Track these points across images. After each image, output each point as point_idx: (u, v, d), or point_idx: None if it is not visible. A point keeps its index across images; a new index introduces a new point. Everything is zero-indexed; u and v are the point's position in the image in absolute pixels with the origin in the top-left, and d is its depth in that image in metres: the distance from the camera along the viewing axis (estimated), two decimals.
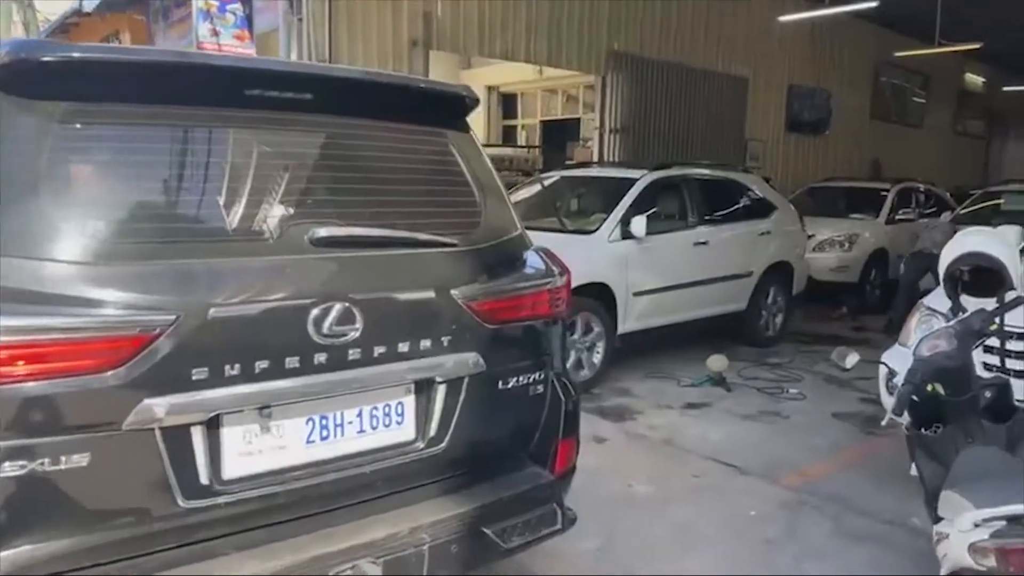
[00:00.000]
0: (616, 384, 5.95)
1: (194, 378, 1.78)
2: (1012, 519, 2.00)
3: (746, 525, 3.56)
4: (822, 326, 8.48)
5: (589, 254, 5.94)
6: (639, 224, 5.97)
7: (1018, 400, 2.73)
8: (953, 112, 19.23)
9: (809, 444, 4.68)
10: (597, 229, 6.08)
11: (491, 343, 2.31)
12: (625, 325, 6.05)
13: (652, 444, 4.64)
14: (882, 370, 3.70)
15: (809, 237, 8.97)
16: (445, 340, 2.19)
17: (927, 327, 3.77)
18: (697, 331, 6.83)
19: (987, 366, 3.13)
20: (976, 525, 2.04)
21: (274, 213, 2.00)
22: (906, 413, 2.63)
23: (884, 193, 10.27)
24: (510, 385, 2.39)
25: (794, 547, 3.37)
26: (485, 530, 2.18)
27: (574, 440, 2.65)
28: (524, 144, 14.04)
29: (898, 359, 3.41)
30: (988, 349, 2.96)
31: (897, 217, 10.01)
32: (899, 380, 2.55)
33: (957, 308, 2.70)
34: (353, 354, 2.01)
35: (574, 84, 13.13)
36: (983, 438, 2.54)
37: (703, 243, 6.64)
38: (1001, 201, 9.92)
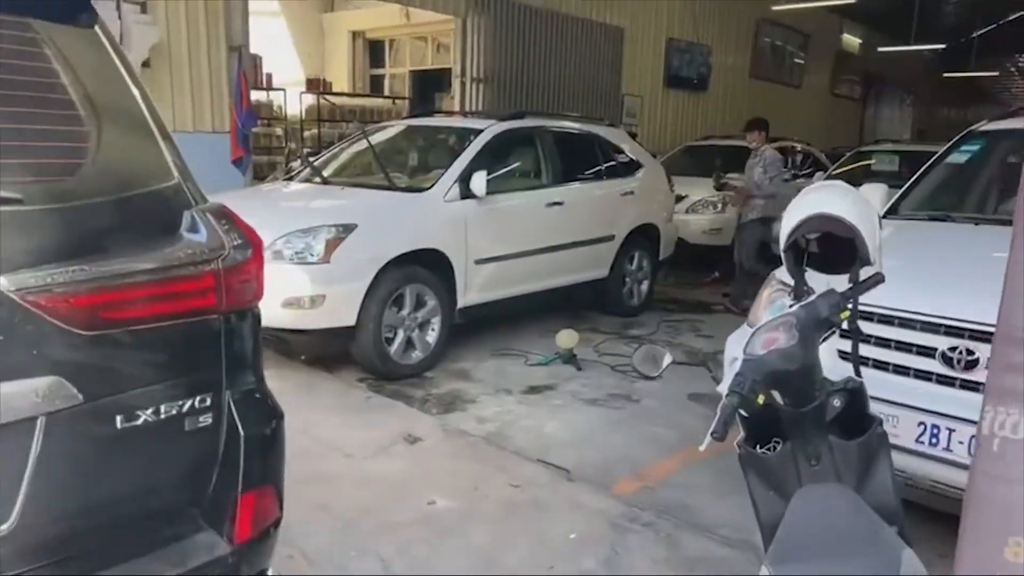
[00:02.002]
0: (454, 366, 5.19)
1: None
2: None
3: (561, 553, 2.87)
4: (692, 292, 8.01)
5: (420, 216, 5.13)
6: (479, 181, 5.19)
7: (873, 398, 2.12)
8: (831, 74, 19.31)
9: (655, 436, 4.06)
10: (431, 187, 5.25)
11: (93, 358, 1.47)
12: (466, 298, 5.30)
13: (473, 443, 3.90)
14: (726, 358, 3.08)
15: (682, 198, 8.49)
16: None
17: (781, 306, 3.16)
18: (554, 302, 6.16)
19: (842, 354, 2.54)
20: None
21: None
22: (739, 422, 1.98)
23: None
24: (141, 420, 1.55)
25: None
26: None
27: (269, 489, 1.83)
28: (391, 95, 12.96)
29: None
30: (844, 333, 2.32)
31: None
32: (723, 387, 1.88)
33: (801, 288, 2.04)
34: None
35: (445, 31, 12.08)
36: (831, 461, 1.92)
37: (558, 204, 5.92)
38: (872, 162, 9.72)
